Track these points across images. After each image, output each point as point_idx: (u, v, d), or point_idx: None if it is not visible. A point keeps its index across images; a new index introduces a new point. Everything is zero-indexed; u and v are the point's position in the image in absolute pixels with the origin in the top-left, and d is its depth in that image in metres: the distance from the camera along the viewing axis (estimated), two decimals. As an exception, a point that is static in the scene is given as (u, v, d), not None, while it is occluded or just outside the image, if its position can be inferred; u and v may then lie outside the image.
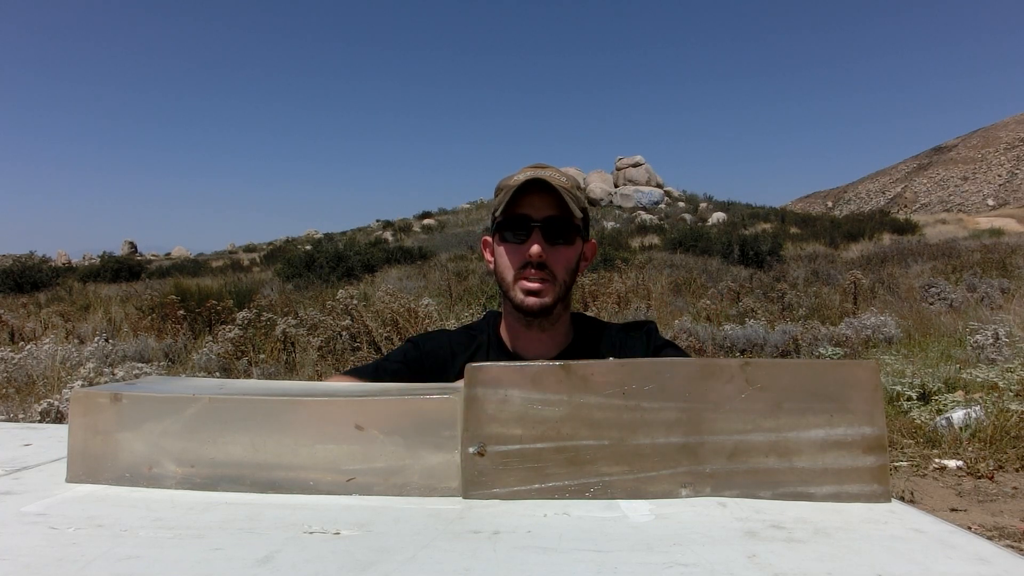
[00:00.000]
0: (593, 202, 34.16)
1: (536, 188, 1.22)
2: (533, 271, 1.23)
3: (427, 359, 1.33)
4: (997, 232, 21.11)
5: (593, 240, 1.38)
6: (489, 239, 1.37)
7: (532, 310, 1.25)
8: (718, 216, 30.39)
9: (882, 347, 6.71)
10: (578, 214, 1.26)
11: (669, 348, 1.33)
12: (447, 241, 23.92)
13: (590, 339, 1.35)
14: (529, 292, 1.24)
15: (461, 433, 0.69)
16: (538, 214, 1.23)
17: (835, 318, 8.17)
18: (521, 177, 1.24)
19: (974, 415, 4.02)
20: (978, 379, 4.76)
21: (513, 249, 1.26)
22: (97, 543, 0.57)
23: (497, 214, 1.28)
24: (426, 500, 0.68)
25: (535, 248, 1.22)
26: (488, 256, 1.37)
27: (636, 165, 36.26)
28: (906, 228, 23.12)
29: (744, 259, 15.87)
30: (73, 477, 0.74)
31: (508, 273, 1.27)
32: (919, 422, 4.18)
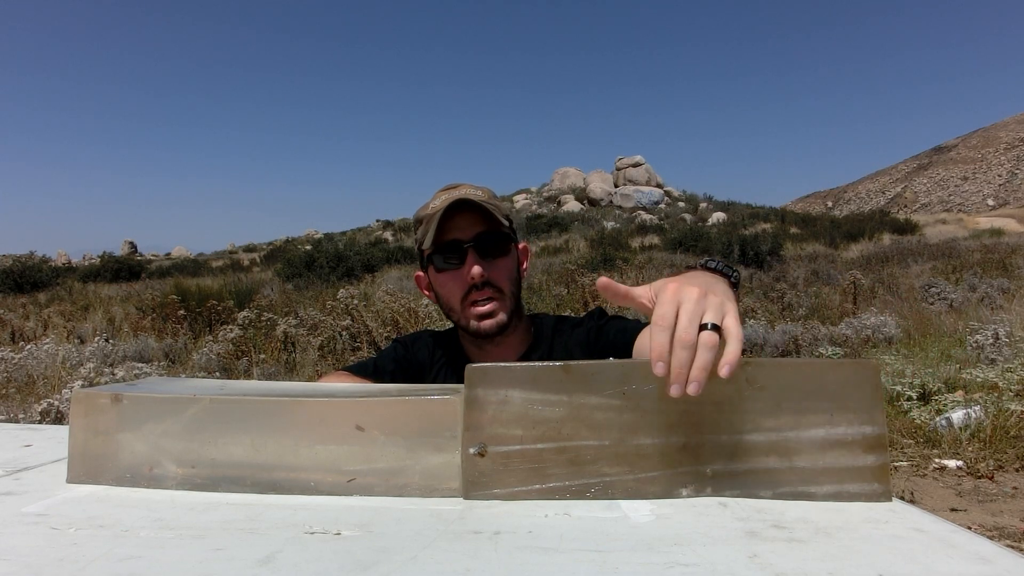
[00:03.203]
0: (593, 202, 34.18)
1: (458, 209, 1.20)
2: (477, 292, 1.21)
3: (412, 362, 1.34)
4: (997, 232, 21.11)
5: (524, 242, 1.36)
6: (422, 275, 1.33)
7: (492, 331, 1.23)
8: (718, 216, 30.40)
9: (882, 347, 6.71)
10: (505, 223, 1.25)
11: (613, 321, 1.31)
12: (447, 241, 23.85)
13: (545, 341, 1.34)
14: (483, 316, 1.22)
15: (462, 434, 0.69)
16: (467, 234, 1.21)
17: (835, 318, 8.17)
18: (439, 203, 1.22)
19: (974, 415, 4.02)
20: (978, 379, 4.76)
21: (452, 276, 1.23)
22: (98, 543, 0.57)
23: (425, 247, 1.24)
24: (427, 501, 0.68)
25: (476, 269, 1.19)
26: (427, 292, 1.34)
27: (636, 165, 36.27)
28: (906, 228, 23.12)
29: (744, 259, 15.87)
30: (74, 478, 0.74)
31: (454, 302, 1.24)
32: (919, 422, 4.18)
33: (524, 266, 1.33)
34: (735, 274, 0.87)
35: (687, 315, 0.67)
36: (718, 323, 0.67)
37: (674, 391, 0.65)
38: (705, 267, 0.88)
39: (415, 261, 1.36)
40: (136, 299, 10.86)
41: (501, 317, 1.23)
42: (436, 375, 1.33)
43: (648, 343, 1.13)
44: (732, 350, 0.66)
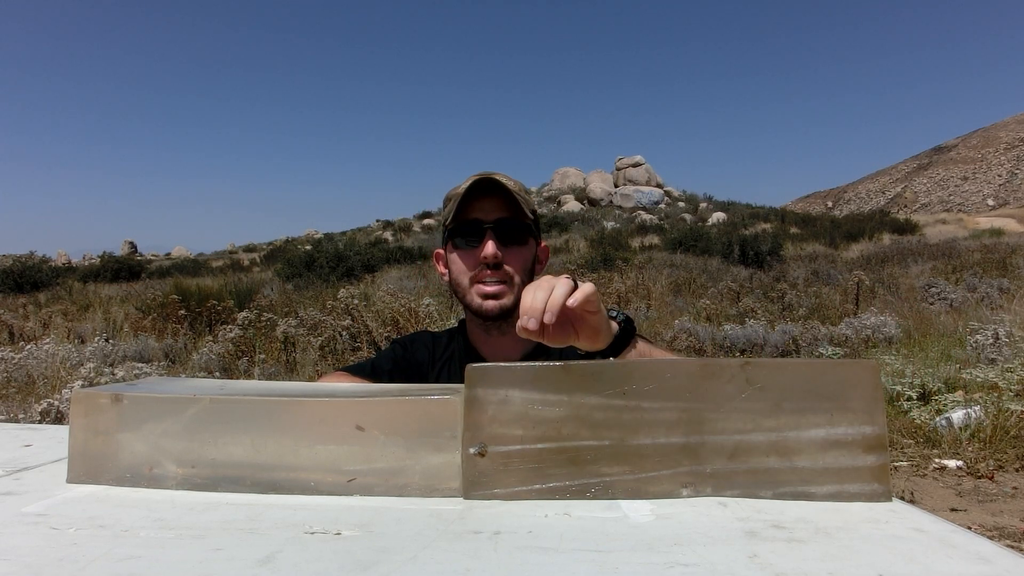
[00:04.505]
0: (593, 202, 34.17)
1: (485, 192, 1.22)
2: (489, 272, 1.23)
3: (410, 363, 1.35)
4: (997, 232, 21.11)
5: (545, 243, 1.37)
6: (441, 251, 1.36)
7: (492, 313, 1.24)
8: (718, 216, 30.40)
9: (882, 347, 6.71)
10: (529, 215, 1.26)
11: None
12: (447, 241, 23.82)
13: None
14: (487, 296, 1.23)
15: (462, 433, 0.69)
16: (489, 216, 1.23)
17: (835, 318, 8.17)
18: (468, 183, 1.23)
19: (974, 415, 4.02)
20: (978, 379, 4.76)
21: (467, 254, 1.25)
22: (98, 543, 0.57)
23: (447, 223, 1.26)
24: (427, 500, 0.68)
25: (490, 249, 1.21)
26: (441, 268, 1.36)
27: (636, 165, 36.27)
28: (906, 228, 23.12)
29: (744, 259, 15.87)
30: (74, 478, 0.74)
31: (463, 279, 1.26)
32: (919, 422, 4.18)
33: (541, 267, 1.34)
34: (620, 314, 1.00)
35: (547, 279, 0.86)
36: (576, 283, 0.85)
37: (528, 324, 0.80)
38: None
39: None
40: (136, 299, 10.86)
41: (505, 301, 1.24)
42: (440, 372, 1.34)
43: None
44: (582, 288, 0.84)
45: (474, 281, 1.24)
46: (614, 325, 0.96)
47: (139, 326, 8.15)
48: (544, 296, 0.81)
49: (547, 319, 0.79)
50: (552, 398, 0.68)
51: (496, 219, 1.23)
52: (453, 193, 1.28)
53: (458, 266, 1.26)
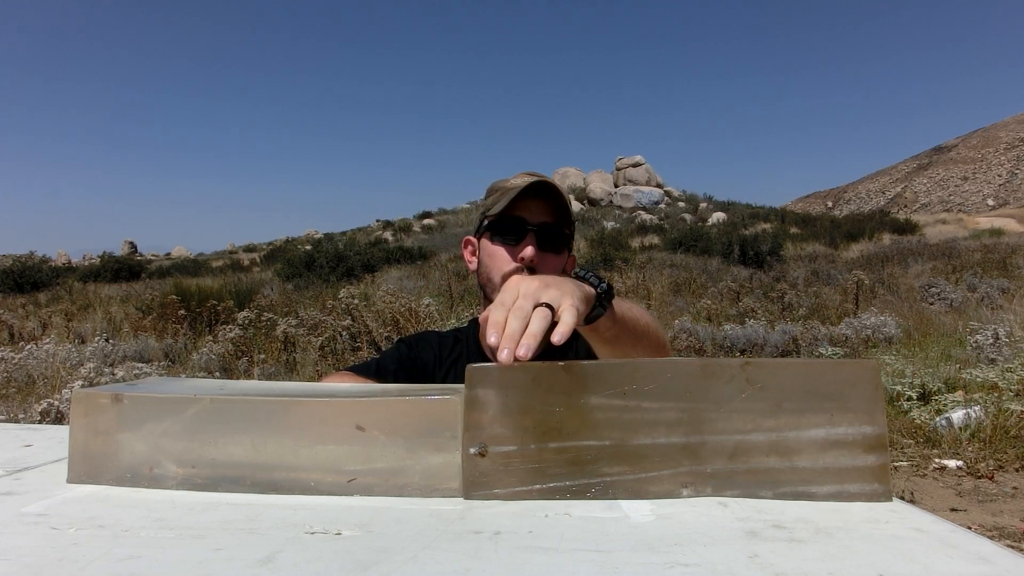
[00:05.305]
0: (593, 202, 34.17)
1: (536, 193, 1.22)
2: (524, 274, 1.23)
3: (416, 363, 1.34)
4: (997, 232, 21.12)
5: (574, 255, 1.37)
6: (473, 239, 1.36)
7: None
8: (718, 216, 30.40)
9: (882, 347, 6.72)
10: (570, 225, 1.27)
11: None
12: (447, 241, 23.91)
13: (567, 341, 1.35)
14: None
15: (462, 434, 0.69)
16: (534, 219, 1.23)
17: (835, 318, 8.18)
18: (520, 181, 1.24)
19: (974, 415, 4.02)
20: (978, 379, 4.76)
21: (504, 251, 1.25)
22: (98, 543, 0.57)
23: (490, 213, 1.27)
24: (427, 501, 0.68)
25: (529, 251, 1.21)
26: (469, 256, 1.36)
27: (636, 165, 36.27)
28: (906, 228, 23.12)
29: (744, 259, 15.87)
30: (74, 478, 0.74)
31: (496, 274, 1.25)
32: (919, 422, 4.18)
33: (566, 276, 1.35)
34: (601, 284, 0.94)
35: (523, 296, 0.76)
36: (553, 304, 0.76)
37: (503, 356, 0.68)
38: (575, 276, 0.96)
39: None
40: (136, 299, 10.86)
41: None
42: (448, 373, 1.33)
43: None
44: (564, 322, 0.74)
45: (505, 279, 1.25)
46: (588, 288, 0.90)
47: (139, 326, 8.15)
48: (519, 326, 0.72)
49: (521, 354, 0.69)
50: (552, 398, 0.68)
51: (540, 223, 1.23)
52: (501, 185, 1.28)
53: (492, 260, 1.26)
